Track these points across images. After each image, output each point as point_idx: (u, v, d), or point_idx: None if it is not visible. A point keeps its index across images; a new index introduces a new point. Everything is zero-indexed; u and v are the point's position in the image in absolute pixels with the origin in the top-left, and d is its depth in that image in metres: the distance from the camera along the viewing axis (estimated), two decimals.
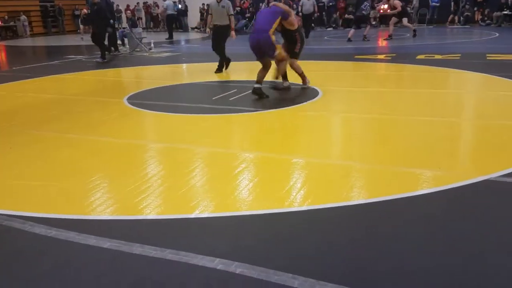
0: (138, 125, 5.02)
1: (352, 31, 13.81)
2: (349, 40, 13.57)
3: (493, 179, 2.99)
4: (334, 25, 20.94)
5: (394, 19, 13.98)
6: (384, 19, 17.34)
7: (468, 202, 2.72)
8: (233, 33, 8.44)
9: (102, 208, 2.78)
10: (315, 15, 16.68)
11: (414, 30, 14.15)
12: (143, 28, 19.93)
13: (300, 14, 14.98)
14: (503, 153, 3.52)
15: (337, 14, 21.38)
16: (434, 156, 3.53)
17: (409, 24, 14.27)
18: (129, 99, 6.15)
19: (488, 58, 8.99)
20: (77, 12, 23.97)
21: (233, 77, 7.96)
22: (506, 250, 2.17)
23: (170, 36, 17.17)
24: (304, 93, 6.11)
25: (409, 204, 2.71)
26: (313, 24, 16.54)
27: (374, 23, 16.02)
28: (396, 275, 1.99)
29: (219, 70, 8.49)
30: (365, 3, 13.80)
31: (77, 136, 4.44)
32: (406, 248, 2.21)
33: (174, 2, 19.06)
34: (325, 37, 16.16)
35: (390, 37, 13.98)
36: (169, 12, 17.30)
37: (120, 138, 4.36)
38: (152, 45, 13.68)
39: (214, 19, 8.29)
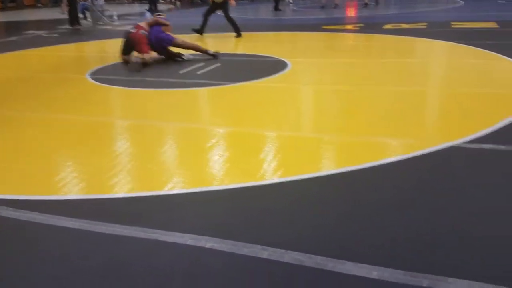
0: (103, 102, 4.87)
1: None
2: (323, 7, 13.56)
3: (458, 145, 3.06)
4: None
5: None
6: None
7: (434, 169, 2.78)
8: (232, 2, 9.48)
9: (68, 188, 2.70)
10: None
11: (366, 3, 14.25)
12: (106, 0, 19.16)
13: None
14: (467, 120, 3.60)
15: None
16: (401, 125, 3.58)
17: None
18: (92, 74, 5.95)
19: (453, 26, 9.12)
20: None
21: None
22: (471, 214, 2.23)
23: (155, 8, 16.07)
24: (273, 65, 6.05)
25: (378, 172, 2.75)
26: None
27: None
28: (364, 243, 2.02)
29: (238, 35, 9.24)
30: None
31: (39, 115, 4.28)
32: (375, 217, 2.24)
33: None
34: (294, 7, 16.00)
35: (365, 5, 14.09)
36: None
37: (84, 116, 4.22)
38: (115, 17, 13.21)
39: None
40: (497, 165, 2.78)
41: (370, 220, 2.21)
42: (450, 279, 1.74)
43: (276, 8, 15.50)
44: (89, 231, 2.19)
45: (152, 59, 6.64)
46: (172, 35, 6.86)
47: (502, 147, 3.00)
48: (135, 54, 6.64)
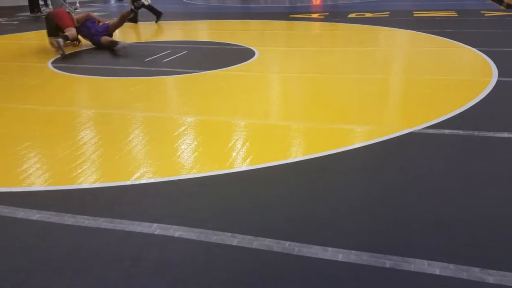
0: (66, 91, 4.74)
1: None
2: None
3: (417, 131, 3.18)
4: None
5: None
6: None
7: (394, 154, 2.88)
8: None
9: (31, 179, 2.64)
10: None
11: None
12: None
13: None
14: (427, 106, 3.73)
15: None
16: (364, 112, 3.67)
17: None
18: (54, 62, 5.78)
19: (415, 15, 9.33)
20: None
21: (166, 38, 7.68)
22: (429, 196, 2.33)
23: None
24: (240, 54, 6.05)
25: (342, 158, 2.82)
26: None
27: None
28: (331, 226, 2.09)
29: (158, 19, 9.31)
30: None
31: (0, 105, 4.14)
32: (339, 201, 2.31)
33: None
34: None
35: None
36: None
37: (46, 105, 4.11)
38: (78, 4, 12.81)
39: None
40: (454, 149, 2.91)
41: (334, 204, 2.28)
42: (410, 259, 1.82)
43: None
44: (54, 223, 2.16)
45: (74, 37, 6.72)
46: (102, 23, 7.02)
47: (460, 132, 3.13)
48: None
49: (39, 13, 11.43)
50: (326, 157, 2.84)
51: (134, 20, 9.28)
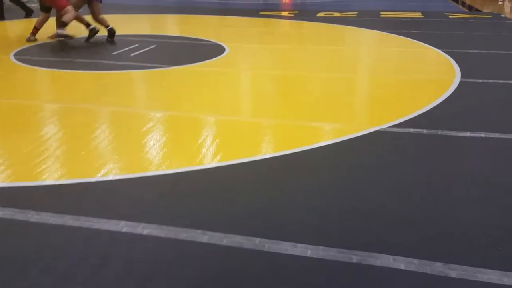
0: (29, 84, 4.59)
1: None
2: None
3: (383, 129, 3.25)
4: None
5: None
6: None
7: (360, 151, 2.94)
8: None
9: None
10: None
11: None
12: None
13: None
14: (393, 105, 3.83)
15: None
16: (332, 110, 3.73)
17: None
18: (16, 55, 5.57)
19: (382, 15, 9.53)
20: None
21: (133, 31, 7.54)
22: (393, 193, 2.40)
23: None
24: (210, 49, 6.01)
25: (310, 156, 2.86)
26: None
27: None
28: (298, 224, 2.11)
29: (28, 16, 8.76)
30: None
31: None
32: (307, 198, 2.34)
33: None
34: None
35: None
36: None
37: (8, 98, 3.96)
38: None
39: None
40: (419, 147, 3.00)
41: (303, 201, 2.31)
42: (376, 255, 1.87)
43: None
44: (18, 220, 2.10)
45: (73, 17, 6.33)
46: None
47: (424, 130, 3.23)
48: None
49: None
50: (294, 154, 2.86)
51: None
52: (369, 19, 8.81)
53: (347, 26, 8.05)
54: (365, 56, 6.02)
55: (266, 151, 2.91)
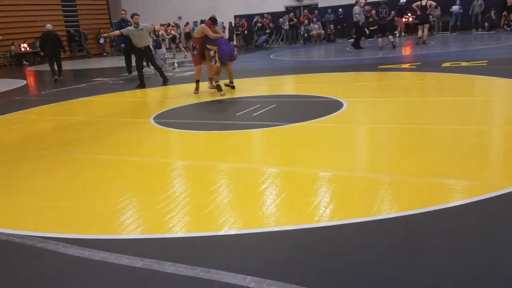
0: (165, 144, 5.08)
1: (390, 37, 13.88)
2: (380, 48, 13.63)
3: None
4: (354, 36, 20.78)
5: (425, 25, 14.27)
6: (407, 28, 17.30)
7: (502, 214, 2.63)
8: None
9: (133, 227, 2.81)
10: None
11: (393, 42, 14.09)
12: (166, 49, 20.28)
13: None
14: None
15: None
16: (464, 165, 3.44)
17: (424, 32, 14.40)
18: (155, 118, 6.25)
19: None
20: (101, 41, 24.76)
21: (256, 93, 7.99)
22: None
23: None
24: (328, 106, 6.07)
25: (442, 216, 2.64)
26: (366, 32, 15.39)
27: (395, 32, 15.94)
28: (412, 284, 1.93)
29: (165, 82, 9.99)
30: (382, 10, 13.88)
31: (105, 157, 4.53)
32: (439, 264, 2.14)
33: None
34: (347, 49, 16.13)
35: (424, 43, 14.18)
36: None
37: (147, 157, 4.42)
38: (176, 65, 13.92)
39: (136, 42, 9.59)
40: None
41: (435, 269, 2.11)
42: None
43: (357, 45, 15.13)
44: (156, 271, 2.25)
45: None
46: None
47: None
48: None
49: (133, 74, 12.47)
50: (422, 214, 2.67)
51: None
52: (502, 68, 8.15)
53: (476, 76, 7.54)
54: (498, 106, 5.52)
55: (392, 210, 2.76)
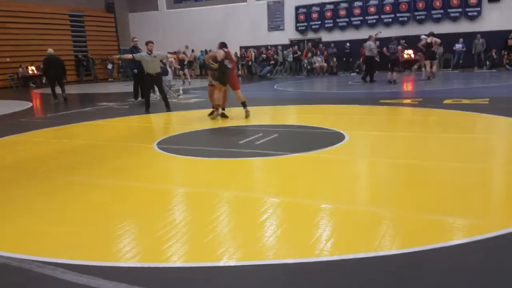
0: (167, 170, 5.09)
1: (394, 73, 14.16)
2: (395, 82, 13.93)
3: None
4: (357, 70, 21.09)
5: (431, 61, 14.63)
6: (408, 64, 17.56)
7: (503, 253, 2.61)
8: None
9: (131, 254, 2.79)
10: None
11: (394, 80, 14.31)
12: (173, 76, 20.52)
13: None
14: None
15: (361, 59, 21.63)
16: (466, 203, 3.43)
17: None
18: (158, 144, 6.29)
19: None
20: (109, 66, 25.23)
21: (259, 122, 8.05)
22: None
23: None
24: (330, 137, 6.11)
25: (444, 254, 2.62)
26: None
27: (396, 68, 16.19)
28: None
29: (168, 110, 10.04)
30: (392, 46, 14.22)
31: (107, 182, 4.54)
32: None
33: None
34: (349, 82, 16.32)
35: (428, 78, 14.49)
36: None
37: (148, 183, 4.43)
38: (181, 91, 14.09)
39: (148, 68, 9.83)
40: None
41: None
42: None
43: (369, 79, 15.21)
44: None
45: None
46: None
47: None
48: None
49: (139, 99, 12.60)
50: (421, 252, 2.65)
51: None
52: (503, 106, 8.22)
53: (477, 113, 7.60)
54: (500, 145, 5.55)
55: (394, 246, 2.74)
